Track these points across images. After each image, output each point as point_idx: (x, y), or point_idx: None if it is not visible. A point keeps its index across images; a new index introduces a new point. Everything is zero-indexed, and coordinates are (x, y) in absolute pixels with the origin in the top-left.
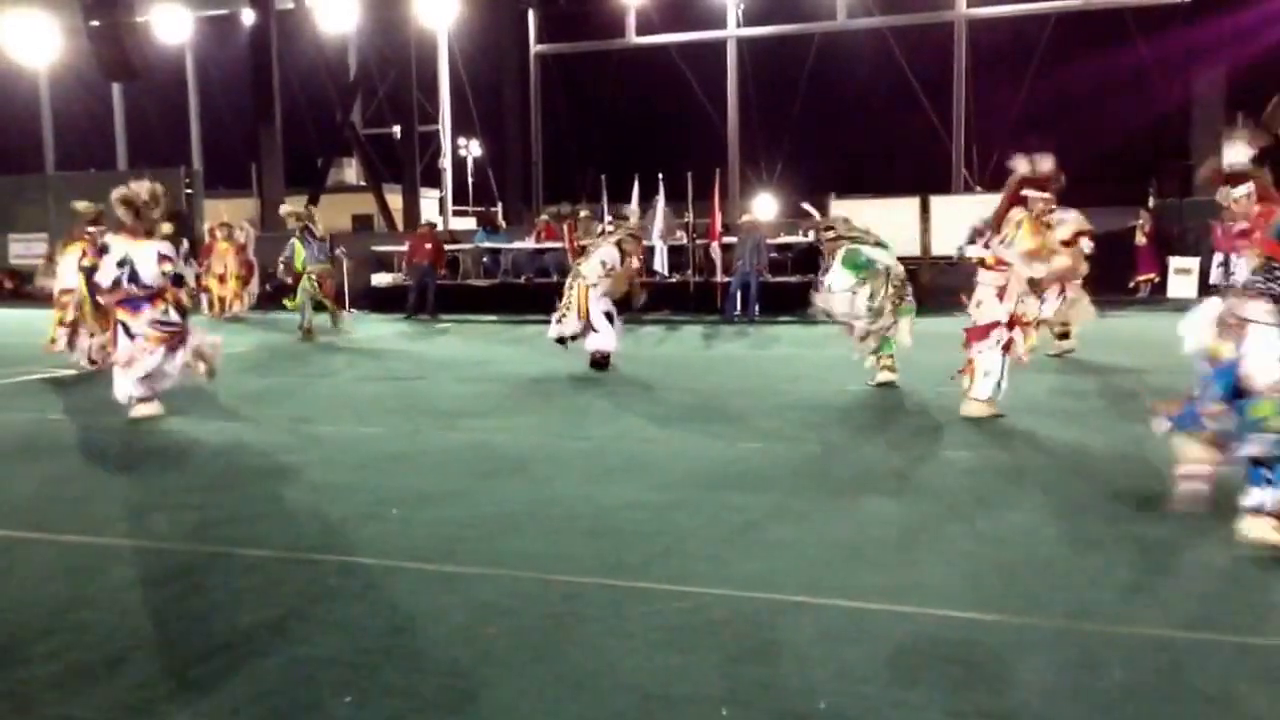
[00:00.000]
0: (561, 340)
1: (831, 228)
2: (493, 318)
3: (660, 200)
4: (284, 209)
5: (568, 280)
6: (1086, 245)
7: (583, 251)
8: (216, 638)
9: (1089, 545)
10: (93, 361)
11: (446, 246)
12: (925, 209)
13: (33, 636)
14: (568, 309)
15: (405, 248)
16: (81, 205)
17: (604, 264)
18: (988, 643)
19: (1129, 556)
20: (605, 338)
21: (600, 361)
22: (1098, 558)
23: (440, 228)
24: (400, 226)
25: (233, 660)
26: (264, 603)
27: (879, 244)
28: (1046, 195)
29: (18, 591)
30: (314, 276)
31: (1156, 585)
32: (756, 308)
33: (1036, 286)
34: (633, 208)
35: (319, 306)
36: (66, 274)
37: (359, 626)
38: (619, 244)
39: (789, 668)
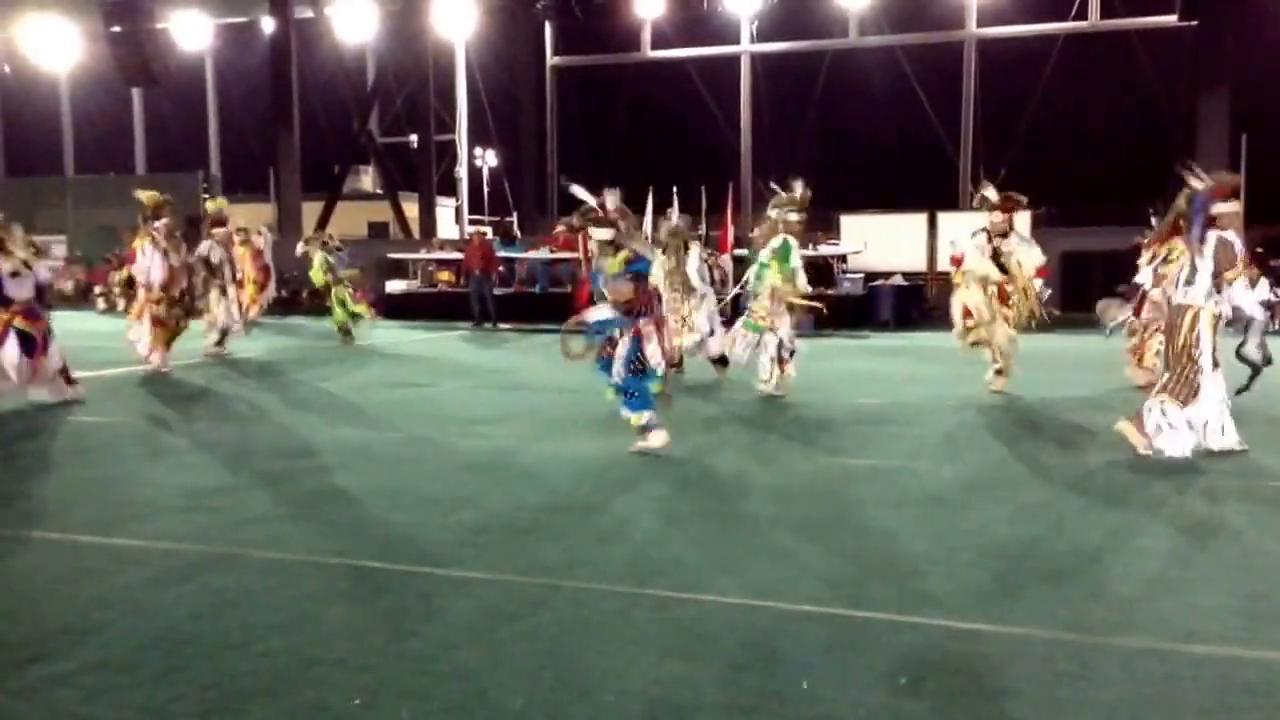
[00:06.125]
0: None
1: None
2: (507, 326)
3: (674, 213)
4: (300, 247)
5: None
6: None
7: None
8: (228, 638)
9: (1087, 557)
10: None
11: (458, 255)
12: (933, 225)
13: (50, 636)
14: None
15: (430, 256)
16: (145, 195)
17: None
18: (989, 653)
19: (1127, 569)
20: (719, 340)
21: (721, 360)
22: (1096, 570)
23: (490, 236)
24: (416, 234)
25: (244, 661)
26: (276, 604)
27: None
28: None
29: (36, 591)
30: (346, 283)
31: (1154, 597)
32: None
33: None
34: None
35: (354, 315)
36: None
37: (369, 629)
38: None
39: (793, 676)
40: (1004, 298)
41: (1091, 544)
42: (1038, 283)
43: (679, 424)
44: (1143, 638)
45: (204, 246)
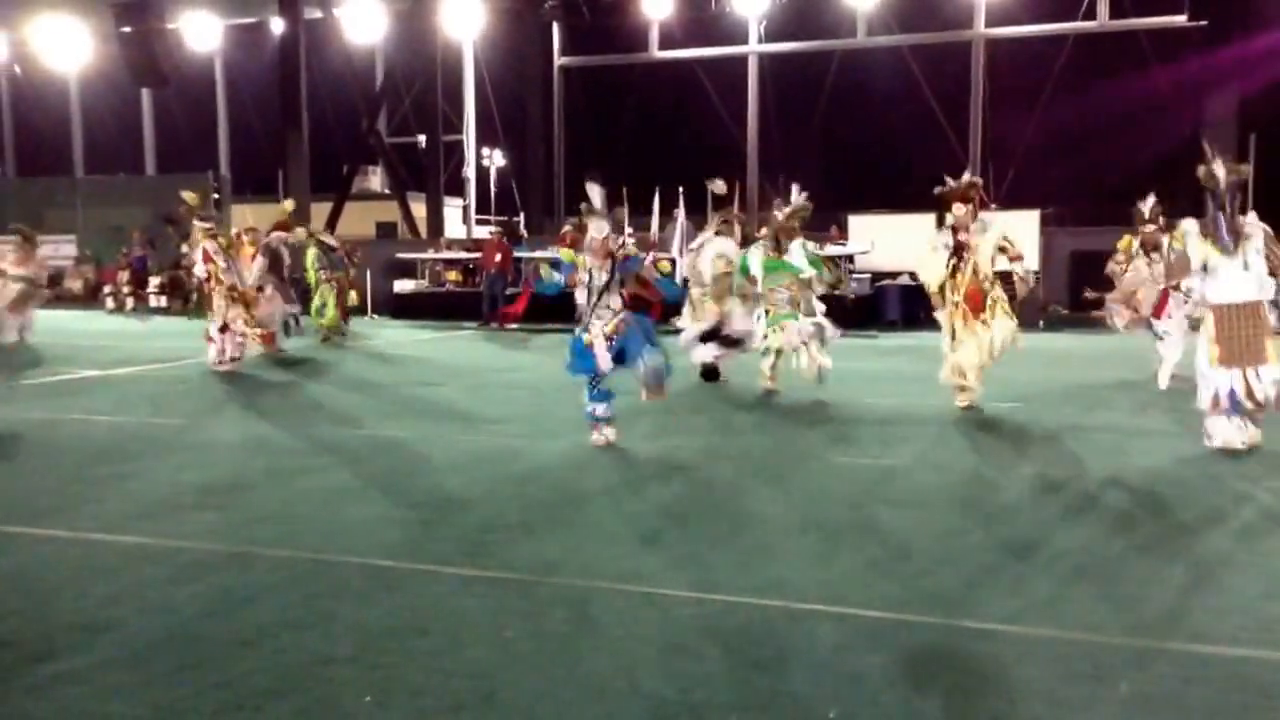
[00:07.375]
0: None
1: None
2: (514, 325)
3: (681, 213)
4: (291, 237)
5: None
6: (1018, 268)
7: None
8: (240, 636)
9: (1098, 557)
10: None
11: (466, 255)
12: (941, 225)
13: (62, 633)
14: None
15: (438, 256)
16: (189, 196)
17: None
18: (1001, 653)
19: (1138, 570)
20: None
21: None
22: (1107, 569)
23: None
24: (424, 234)
25: (256, 659)
26: (287, 602)
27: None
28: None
29: (47, 589)
30: (333, 284)
31: (1165, 597)
32: None
33: None
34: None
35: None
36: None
37: (381, 627)
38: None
39: (804, 676)
40: (977, 307)
41: (1102, 543)
42: (1018, 266)
43: (685, 424)
44: (1154, 638)
45: (274, 238)
